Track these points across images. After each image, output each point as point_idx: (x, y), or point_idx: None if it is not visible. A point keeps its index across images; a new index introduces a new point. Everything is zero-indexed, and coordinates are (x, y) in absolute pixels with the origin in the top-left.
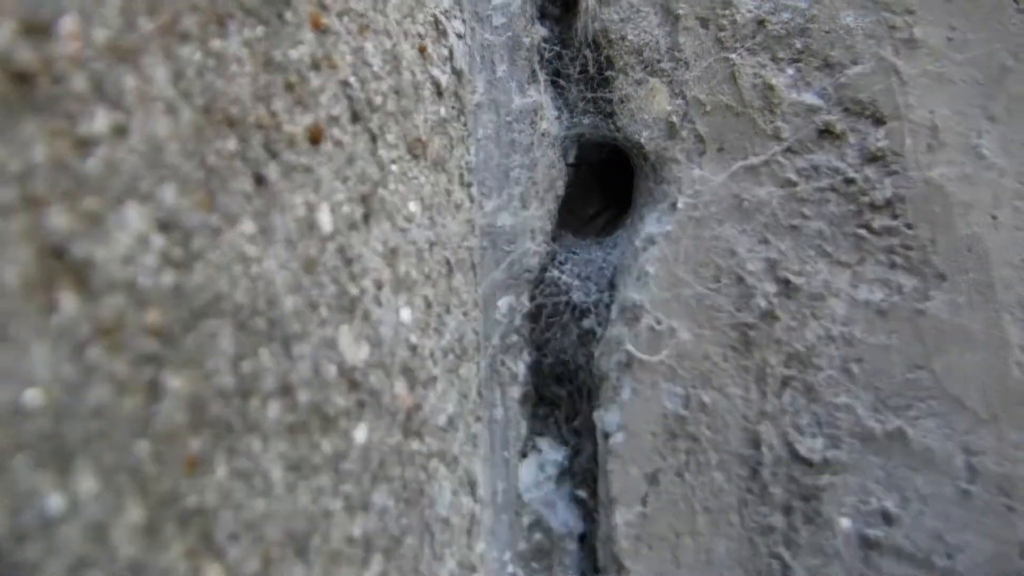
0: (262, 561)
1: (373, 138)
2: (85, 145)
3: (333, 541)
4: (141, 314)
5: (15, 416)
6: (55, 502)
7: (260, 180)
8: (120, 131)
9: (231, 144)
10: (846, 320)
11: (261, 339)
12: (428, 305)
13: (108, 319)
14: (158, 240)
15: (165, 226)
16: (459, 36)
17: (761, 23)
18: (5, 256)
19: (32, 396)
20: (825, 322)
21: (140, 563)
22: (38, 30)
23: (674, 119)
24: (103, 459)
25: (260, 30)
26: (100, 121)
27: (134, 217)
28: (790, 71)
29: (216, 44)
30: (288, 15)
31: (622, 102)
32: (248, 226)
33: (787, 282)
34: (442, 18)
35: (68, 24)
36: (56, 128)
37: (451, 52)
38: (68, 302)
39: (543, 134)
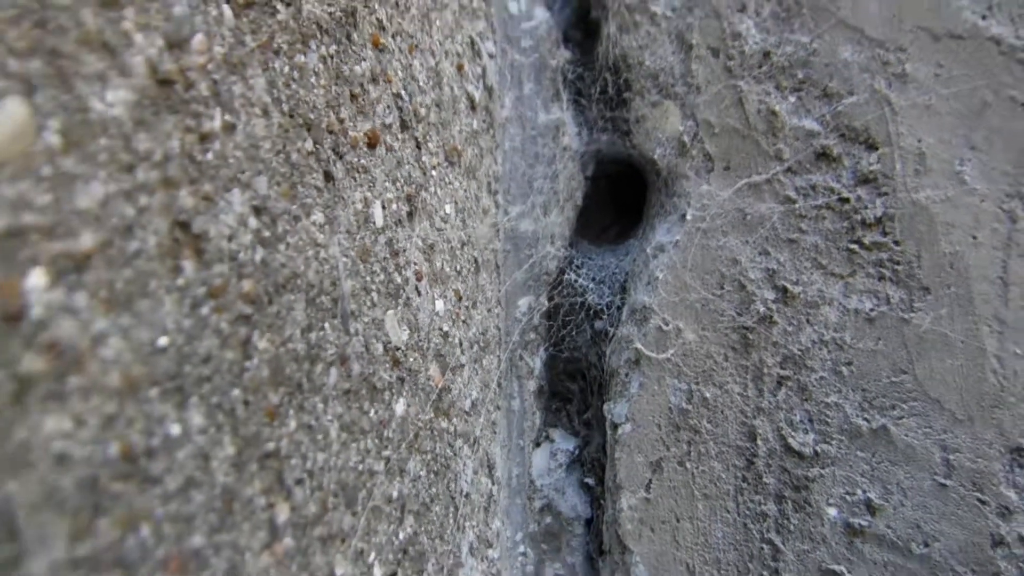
0: (320, 507)
1: (418, 145)
2: (206, 139)
3: (376, 498)
4: (239, 283)
5: (152, 356)
6: (174, 429)
7: (329, 177)
8: (230, 130)
9: (308, 145)
10: (838, 326)
11: (326, 314)
12: (459, 298)
13: (216, 284)
14: (253, 222)
15: (258, 211)
16: (491, 56)
17: (767, 54)
18: (149, 226)
19: (164, 341)
20: (818, 328)
21: (231, 491)
22: (178, 45)
23: (685, 139)
24: (209, 399)
25: (333, 48)
26: (217, 120)
27: (237, 201)
28: (792, 99)
29: (300, 59)
30: (355, 35)
31: (638, 122)
32: (319, 216)
33: (785, 290)
34: (477, 39)
35: (199, 41)
36: (187, 125)
37: (484, 70)
38: (189, 267)
39: (565, 148)
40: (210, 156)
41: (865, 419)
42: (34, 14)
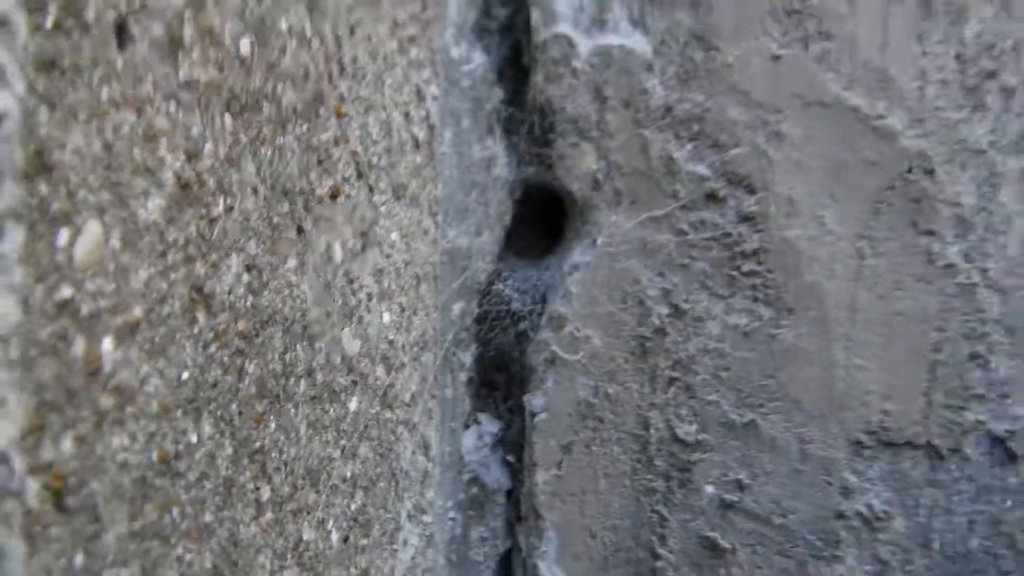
0: (292, 488)
1: (371, 189)
2: (213, 222)
3: (333, 478)
4: (236, 324)
5: (178, 387)
6: (192, 438)
7: (300, 230)
8: (230, 210)
9: (285, 207)
10: (719, 338)
11: (297, 338)
12: (402, 310)
13: (220, 329)
14: (245, 277)
15: (249, 268)
16: (434, 98)
17: (669, 109)
18: (176, 294)
19: (185, 375)
20: (703, 339)
21: (230, 479)
22: (195, 156)
23: (599, 176)
24: (216, 414)
25: (305, 126)
26: (220, 206)
27: (235, 263)
28: (688, 147)
29: (279, 141)
30: (322, 110)
31: (560, 158)
32: (293, 263)
33: (677, 307)
34: (423, 86)
35: (208, 148)
36: (200, 213)
37: (428, 112)
38: (202, 319)
39: (496, 178)
40: (216, 233)
41: (738, 414)
42: (104, 161)
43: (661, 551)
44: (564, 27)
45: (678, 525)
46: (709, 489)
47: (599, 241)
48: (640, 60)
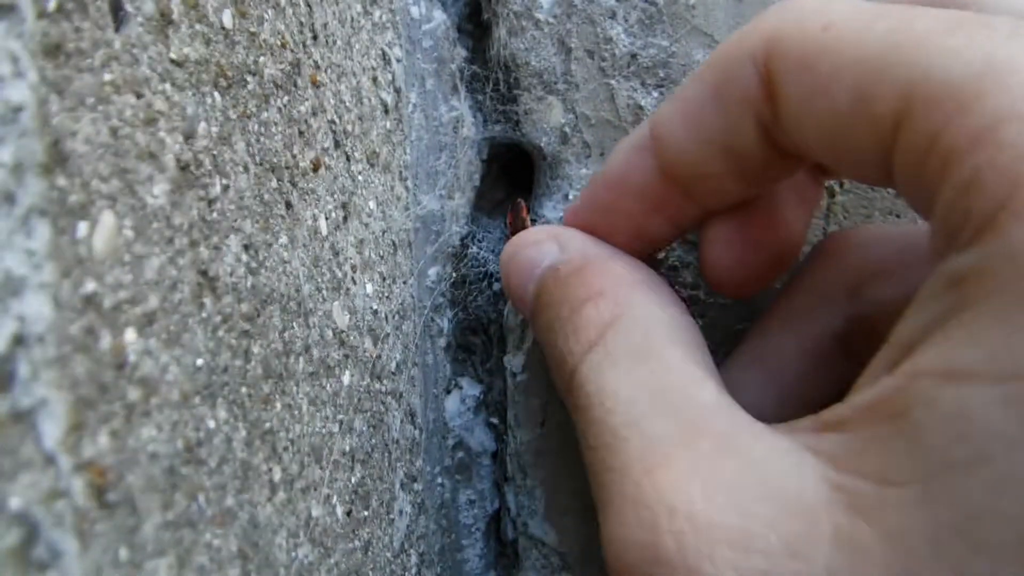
0: (299, 466)
1: (348, 158)
2: (212, 203)
3: (335, 454)
4: (239, 306)
5: (195, 374)
6: (211, 424)
7: (289, 205)
8: (225, 190)
9: (273, 183)
10: (693, 286)
11: (293, 316)
12: (383, 279)
13: (227, 312)
14: (244, 257)
15: (247, 247)
16: (398, 60)
17: (634, 56)
18: (185, 280)
19: (200, 361)
20: (678, 287)
21: (246, 463)
22: (191, 135)
23: (567, 129)
24: (228, 398)
25: (286, 98)
26: (217, 186)
27: (234, 244)
28: (655, 94)
29: (264, 115)
30: (299, 81)
31: (526, 114)
32: (284, 239)
33: (650, 256)
34: (387, 49)
35: (202, 128)
36: (200, 195)
37: (393, 75)
38: (209, 303)
39: (464, 138)
40: (215, 215)
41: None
42: (111, 148)
43: None
44: None
45: None
46: None
47: (570, 196)
48: (603, 7)
